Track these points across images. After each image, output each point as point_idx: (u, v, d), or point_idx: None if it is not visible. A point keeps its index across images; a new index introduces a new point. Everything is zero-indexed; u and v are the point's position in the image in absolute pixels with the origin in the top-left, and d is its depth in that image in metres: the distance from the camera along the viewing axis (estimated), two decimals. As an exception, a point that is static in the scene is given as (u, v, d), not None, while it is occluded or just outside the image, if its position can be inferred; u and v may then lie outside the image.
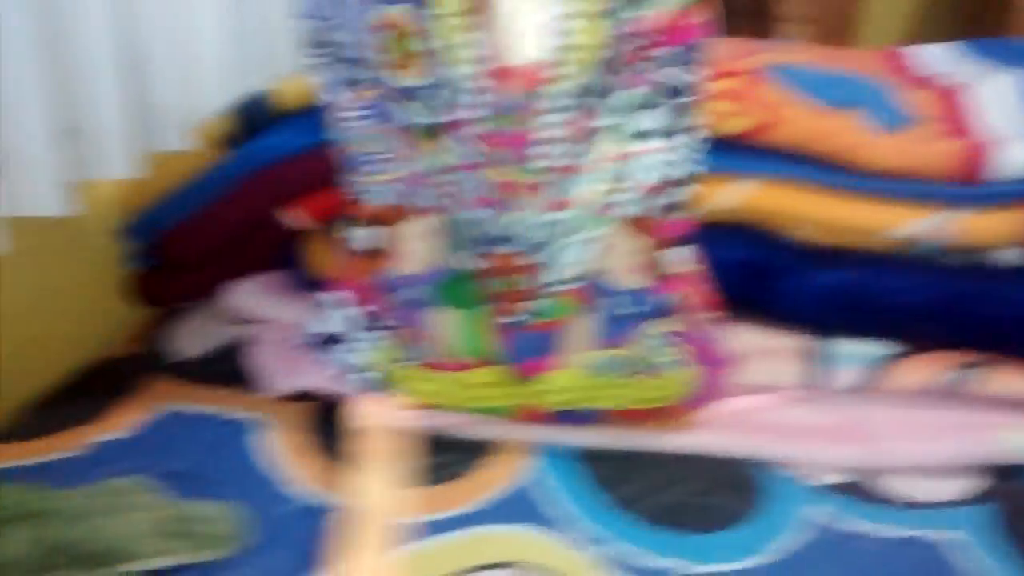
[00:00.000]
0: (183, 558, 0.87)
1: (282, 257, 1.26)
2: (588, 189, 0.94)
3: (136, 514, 0.87)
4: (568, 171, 0.93)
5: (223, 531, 0.89)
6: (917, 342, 1.04)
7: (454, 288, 1.00)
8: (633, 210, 0.94)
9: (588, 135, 0.93)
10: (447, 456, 1.02)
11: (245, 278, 1.27)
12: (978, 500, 0.93)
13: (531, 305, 0.96)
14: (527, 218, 0.94)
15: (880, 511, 0.92)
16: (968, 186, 0.99)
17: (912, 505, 0.93)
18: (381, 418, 0.42)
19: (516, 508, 0.94)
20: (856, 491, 0.95)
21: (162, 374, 1.17)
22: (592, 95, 0.92)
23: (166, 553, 0.87)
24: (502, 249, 0.96)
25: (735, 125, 1.02)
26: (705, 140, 0.94)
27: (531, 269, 0.95)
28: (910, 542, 0.88)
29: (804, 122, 1.03)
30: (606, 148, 0.92)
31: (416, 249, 1.01)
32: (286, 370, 1.12)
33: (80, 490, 0.89)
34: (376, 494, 0.41)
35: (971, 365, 1.00)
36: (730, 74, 1.06)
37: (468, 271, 0.99)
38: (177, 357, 1.21)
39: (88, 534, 0.84)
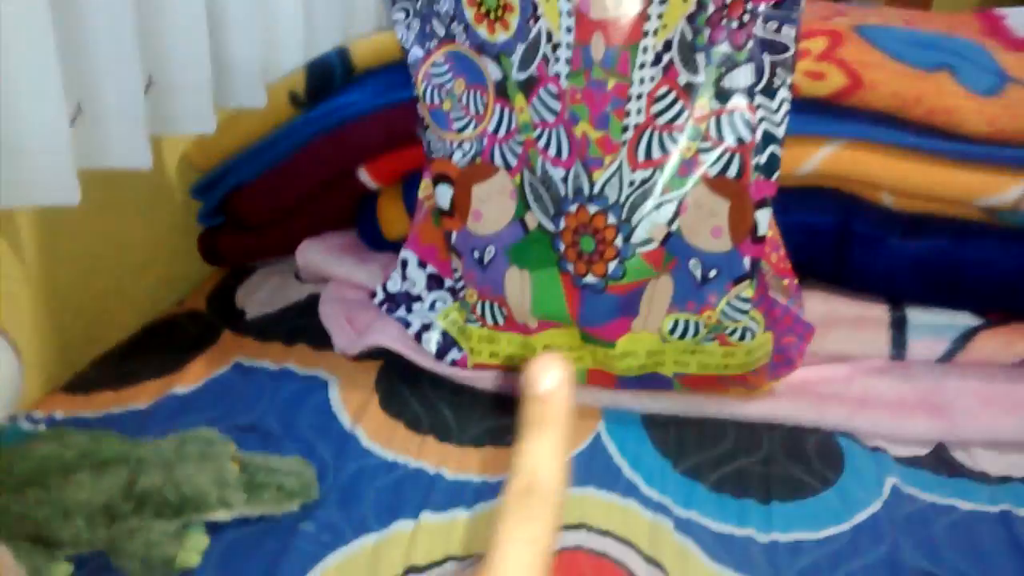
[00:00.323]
0: (260, 509, 0.88)
1: (355, 216, 1.26)
2: (674, 147, 0.92)
3: (215, 464, 0.88)
4: (655, 128, 0.91)
5: (297, 484, 0.90)
6: (1003, 314, 1.00)
7: (529, 248, 0.99)
8: (717, 170, 0.91)
9: (677, 92, 0.90)
10: (517, 418, 1.01)
11: (317, 237, 1.27)
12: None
13: (608, 267, 0.95)
14: (610, 177, 0.92)
15: (961, 485, 0.90)
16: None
17: (989, 479, 0.90)
18: (553, 385, 0.41)
19: (582, 470, 0.94)
20: (935, 464, 0.93)
21: (233, 331, 1.19)
22: (683, 51, 0.90)
23: (244, 504, 0.88)
24: (581, 208, 0.94)
25: (821, 87, 0.99)
26: (792, 101, 0.91)
27: (610, 230, 0.94)
28: (987, 517, 0.85)
29: (893, 84, 0.99)
30: (694, 105, 0.90)
31: (492, 208, 1.00)
32: (356, 328, 1.13)
33: (159, 439, 0.91)
34: (546, 463, 0.39)
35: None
36: (817, 34, 1.02)
37: (544, 231, 0.97)
38: (248, 315, 1.23)
39: (169, 482, 0.85)
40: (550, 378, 0.44)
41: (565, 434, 0.43)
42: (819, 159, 1.01)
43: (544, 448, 0.42)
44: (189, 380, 1.08)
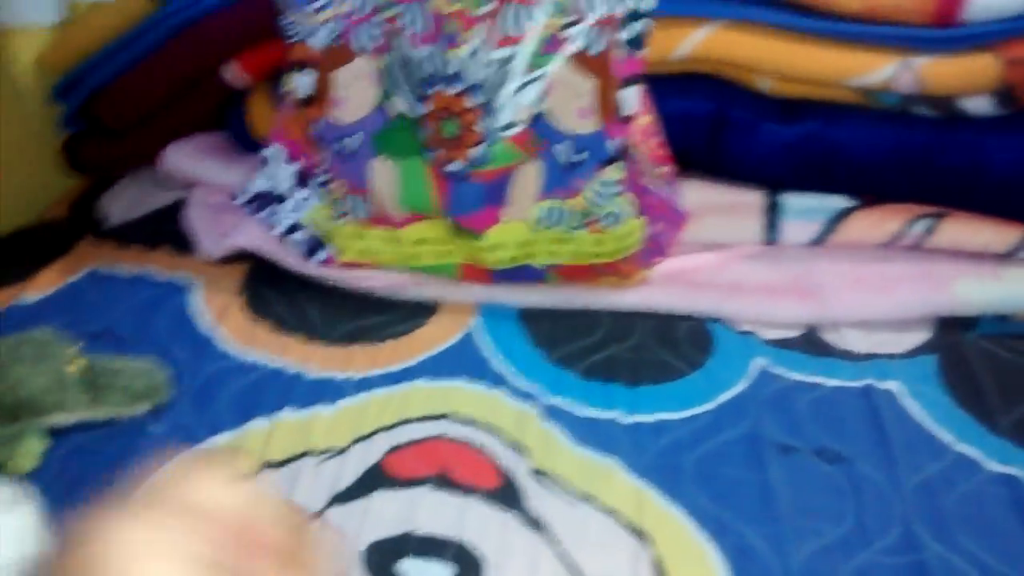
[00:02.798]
0: (106, 412, 0.84)
1: (223, 117, 1.20)
2: (537, 22, 0.87)
3: (52, 366, 0.83)
4: (516, 1, 0.87)
5: (147, 385, 0.86)
6: (876, 195, 0.99)
7: (393, 136, 0.94)
8: (582, 46, 0.87)
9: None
10: (385, 316, 0.98)
11: (183, 140, 1.21)
12: (920, 351, 0.90)
13: (473, 152, 0.91)
14: (472, 54, 0.88)
15: (825, 363, 0.89)
16: (941, 28, 0.93)
17: (855, 357, 0.90)
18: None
19: (451, 364, 0.91)
20: (802, 345, 0.92)
21: (92, 239, 1.12)
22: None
23: (87, 406, 0.83)
24: (444, 90, 0.90)
25: (691, -37, 0.95)
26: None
27: (474, 112, 0.89)
28: (849, 392, 0.85)
29: (766, -39, 0.96)
30: None
31: (353, 95, 0.95)
32: (220, 231, 1.07)
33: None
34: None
35: (926, 217, 0.96)
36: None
37: (408, 117, 0.93)
38: (110, 222, 1.16)
39: (2, 384, 0.80)
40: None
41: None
42: (694, 42, 0.97)
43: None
44: (39, 288, 1.02)
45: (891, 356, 0.89)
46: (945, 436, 0.80)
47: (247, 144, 1.18)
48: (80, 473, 0.80)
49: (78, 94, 1.19)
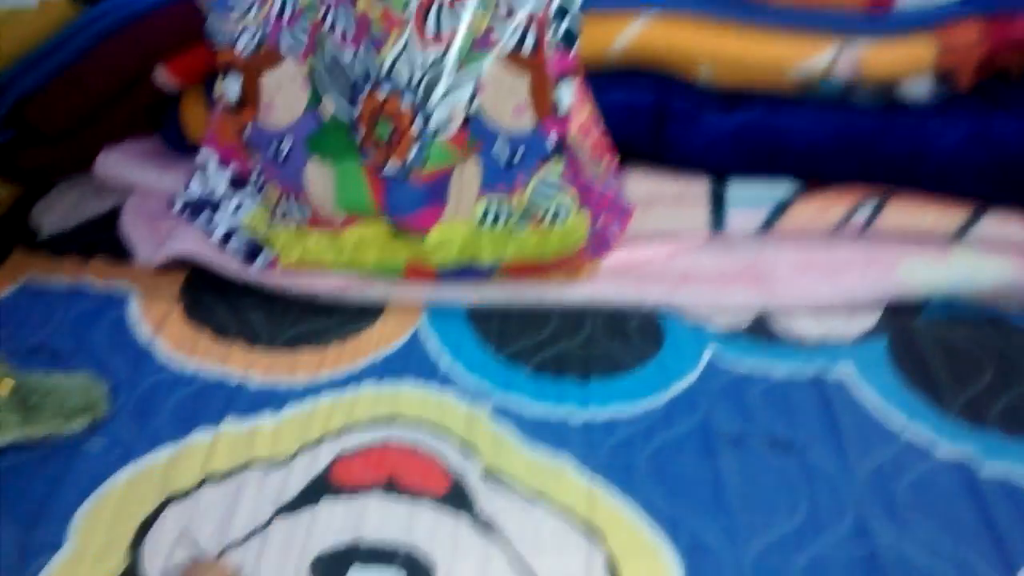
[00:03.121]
0: (41, 430, 0.81)
1: (156, 120, 1.16)
2: (468, 21, 0.86)
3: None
4: (442, 2, 0.85)
5: (83, 401, 0.83)
6: (820, 182, 0.99)
7: (326, 138, 0.92)
8: (513, 45, 0.86)
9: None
10: (330, 320, 0.96)
11: (118, 144, 1.17)
12: (870, 335, 0.90)
13: (410, 153, 0.89)
14: (398, 55, 0.86)
15: (775, 350, 0.89)
16: (876, 13, 0.93)
17: (806, 343, 0.90)
18: None
19: (398, 365, 0.90)
20: (755, 332, 0.92)
21: (25, 250, 1.09)
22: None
23: (19, 426, 0.80)
24: (377, 92, 0.88)
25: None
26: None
27: (408, 113, 0.88)
28: (800, 380, 0.85)
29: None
30: None
31: (284, 98, 0.92)
32: (158, 238, 1.04)
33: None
34: None
35: (871, 201, 0.96)
36: None
37: (341, 119, 0.91)
38: (43, 232, 1.12)
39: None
40: None
41: None
42: (631, 34, 0.96)
43: None
44: (-28, 303, 0.98)
45: (841, 341, 0.89)
46: (896, 419, 0.79)
47: (182, 148, 1.15)
48: (16, 494, 0.77)
49: (3, 102, 1.15)
